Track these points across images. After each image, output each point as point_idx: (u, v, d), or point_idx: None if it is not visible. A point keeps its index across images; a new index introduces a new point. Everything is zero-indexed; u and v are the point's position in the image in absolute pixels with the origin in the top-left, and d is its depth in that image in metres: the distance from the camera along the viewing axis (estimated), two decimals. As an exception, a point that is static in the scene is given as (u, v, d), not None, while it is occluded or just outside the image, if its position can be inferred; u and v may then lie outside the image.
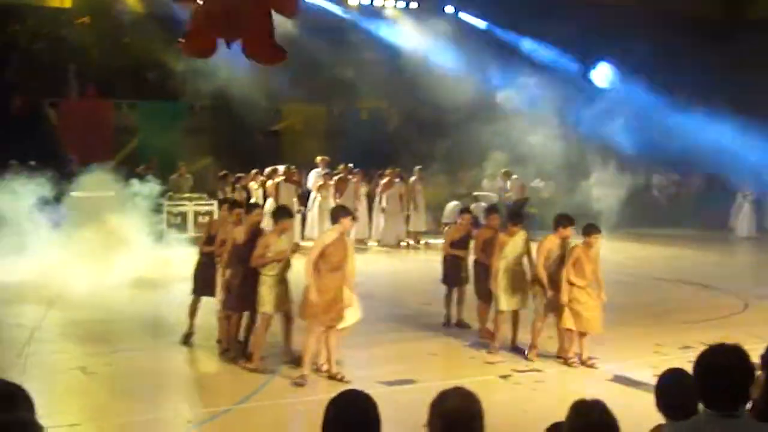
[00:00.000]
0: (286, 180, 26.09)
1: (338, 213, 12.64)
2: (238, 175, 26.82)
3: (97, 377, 12.72)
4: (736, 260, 28.08)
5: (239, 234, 13.32)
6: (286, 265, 13.04)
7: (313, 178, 27.51)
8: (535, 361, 13.63)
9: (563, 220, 13.78)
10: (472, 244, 15.71)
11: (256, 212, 13.88)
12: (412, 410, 6.65)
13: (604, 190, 30.48)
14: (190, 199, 26.48)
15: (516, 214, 14.99)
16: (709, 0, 35.51)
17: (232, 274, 13.24)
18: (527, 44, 32.50)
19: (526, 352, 13.90)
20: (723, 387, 4.68)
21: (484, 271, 14.81)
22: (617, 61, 27.96)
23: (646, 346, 14.53)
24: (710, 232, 31.74)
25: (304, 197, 27.30)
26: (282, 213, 13.47)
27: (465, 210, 17.19)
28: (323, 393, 10.64)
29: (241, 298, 13.17)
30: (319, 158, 27.83)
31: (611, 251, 23.62)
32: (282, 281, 12.95)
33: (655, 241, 29.77)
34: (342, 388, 6.06)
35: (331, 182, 27.13)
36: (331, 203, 25.85)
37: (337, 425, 4.64)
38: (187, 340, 14.50)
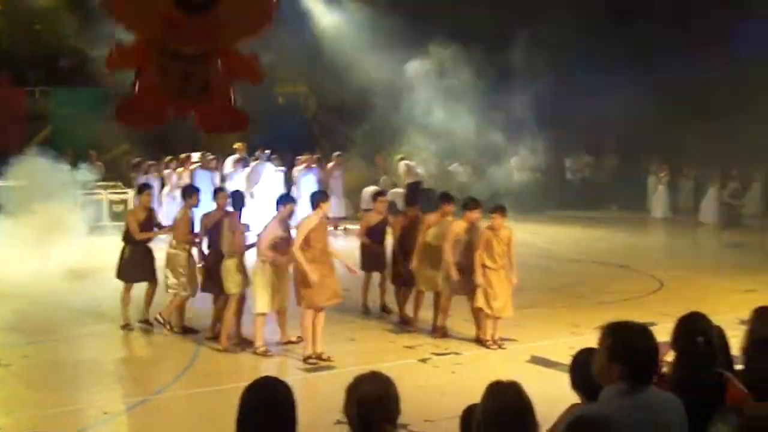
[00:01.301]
0: (201, 167, 25.83)
1: (318, 198, 12.86)
2: (150, 162, 26.46)
3: (13, 369, 12.56)
4: (652, 241, 28.45)
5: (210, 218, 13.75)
6: None
7: (230, 165, 27.23)
8: (449, 342, 13.78)
9: (470, 203, 13.90)
10: (389, 229, 15.69)
11: (221, 195, 14.12)
12: (330, 396, 6.65)
13: (522, 174, 30.68)
14: (104, 188, 26.25)
15: (446, 195, 14.91)
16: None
17: (208, 258, 13.76)
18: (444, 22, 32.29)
19: (434, 334, 14.10)
20: (632, 363, 4.87)
21: (400, 257, 14.83)
22: (531, 37, 27.92)
23: (563, 327, 14.73)
24: (626, 214, 32.14)
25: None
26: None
27: (380, 193, 16.83)
28: (242, 381, 10.57)
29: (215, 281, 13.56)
30: (236, 144, 27.56)
31: (527, 234, 23.82)
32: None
33: (571, 224, 29.99)
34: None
35: (244, 170, 26.67)
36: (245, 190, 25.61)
37: (252, 412, 4.65)
38: (126, 327, 14.49)
